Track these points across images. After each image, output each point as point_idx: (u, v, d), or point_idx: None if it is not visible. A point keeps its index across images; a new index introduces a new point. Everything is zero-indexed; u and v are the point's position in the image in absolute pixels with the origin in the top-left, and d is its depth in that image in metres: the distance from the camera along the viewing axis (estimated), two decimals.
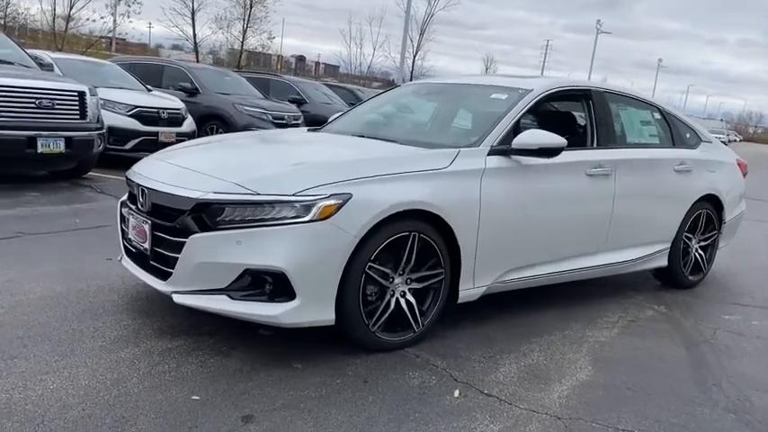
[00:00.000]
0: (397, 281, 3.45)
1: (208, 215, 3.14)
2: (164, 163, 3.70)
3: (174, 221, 3.25)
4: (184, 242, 3.16)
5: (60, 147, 7.27)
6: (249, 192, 3.11)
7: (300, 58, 79.67)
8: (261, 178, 3.21)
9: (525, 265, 4.03)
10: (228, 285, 3.14)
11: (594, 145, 4.45)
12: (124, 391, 2.80)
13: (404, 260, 3.42)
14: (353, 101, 15.09)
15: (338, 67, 63.31)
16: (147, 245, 3.45)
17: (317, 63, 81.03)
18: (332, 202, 3.12)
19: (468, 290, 3.75)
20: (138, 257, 3.60)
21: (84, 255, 4.73)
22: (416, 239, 3.42)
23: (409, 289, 3.50)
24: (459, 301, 3.72)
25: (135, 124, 9.21)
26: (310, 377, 3.08)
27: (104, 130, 8.13)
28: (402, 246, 3.40)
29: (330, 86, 17.13)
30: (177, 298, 3.21)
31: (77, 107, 7.55)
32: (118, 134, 9.00)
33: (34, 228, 5.38)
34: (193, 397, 2.81)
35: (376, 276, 3.32)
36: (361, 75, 50.22)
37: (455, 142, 3.93)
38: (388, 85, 41.28)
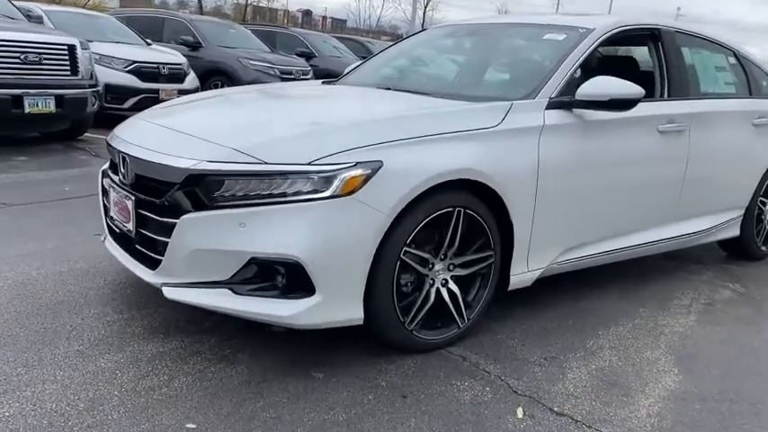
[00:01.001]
0: (437, 267, 2.81)
1: (203, 190, 2.49)
2: (150, 124, 3.04)
3: (162, 198, 2.61)
4: (175, 224, 2.52)
5: (50, 106, 6.62)
6: (254, 160, 2.45)
7: (307, 13, 77.79)
8: (269, 143, 2.54)
9: (587, 242, 3.37)
10: (231, 277, 2.51)
11: (665, 96, 3.72)
12: (100, 418, 2.20)
13: (446, 242, 2.77)
14: (364, 54, 14.22)
15: (345, 21, 61.78)
16: (130, 225, 2.82)
17: (324, 18, 79.25)
18: (358, 172, 2.46)
19: (521, 274, 3.10)
20: (123, 239, 2.97)
21: (69, 230, 4.11)
22: (461, 216, 2.76)
23: (452, 277, 2.86)
24: (511, 288, 3.08)
25: (133, 81, 8.52)
26: (335, 391, 2.47)
27: (99, 88, 7.45)
28: (444, 225, 2.75)
29: (339, 38, 16.23)
30: (168, 292, 2.59)
31: (67, 62, 6.85)
32: (115, 92, 8.33)
33: (17, 197, 4.77)
34: (188, 425, 2.20)
35: (413, 263, 2.68)
36: (370, 29, 48.86)
37: (503, 94, 3.22)
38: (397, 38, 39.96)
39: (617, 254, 3.55)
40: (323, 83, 4.31)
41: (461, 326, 2.88)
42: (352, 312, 2.55)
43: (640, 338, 3.14)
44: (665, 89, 3.73)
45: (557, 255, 3.23)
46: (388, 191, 2.50)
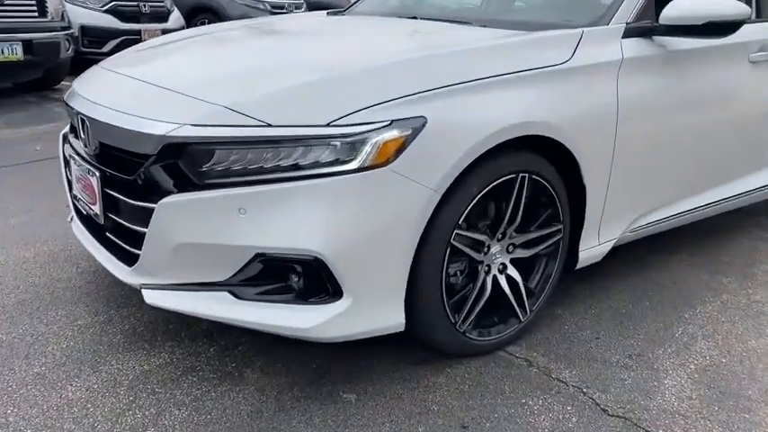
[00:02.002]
0: (494, 250, 2.19)
1: (187, 164, 1.85)
2: (117, 75, 2.36)
3: (134, 174, 1.97)
4: (152, 210, 1.90)
5: (17, 53, 5.89)
6: (254, 122, 1.81)
7: None
8: (272, 98, 1.89)
9: (667, 202, 2.74)
10: (230, 278, 1.90)
11: (753, 16, 3.02)
12: None
13: (506, 218, 2.15)
14: None
15: None
16: (97, 209, 2.19)
17: None
18: (394, 134, 1.81)
19: (592, 248, 2.49)
20: (92, 224, 2.35)
21: (38, 200, 3.49)
22: (525, 183, 2.13)
23: (511, 260, 2.25)
24: (579, 266, 2.48)
25: (112, 21, 7.72)
26: (373, 422, 1.90)
27: (73, 30, 6.70)
28: (503, 196, 2.12)
29: None
30: (149, 296, 1.98)
31: (33, 3, 6.07)
32: (93, 34, 7.56)
33: None
34: None
35: (465, 248, 2.07)
36: None
37: (566, 20, 2.53)
38: None
39: (697, 212, 2.93)
40: (328, 14, 3.59)
41: (523, 319, 2.29)
42: (391, 317, 1.95)
43: (737, 321, 2.56)
44: (754, 6, 3.02)
45: (632, 220, 2.62)
46: (435, 157, 1.87)
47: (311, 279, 1.85)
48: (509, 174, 2.07)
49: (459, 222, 1.99)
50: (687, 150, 2.67)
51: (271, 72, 2.08)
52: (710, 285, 2.85)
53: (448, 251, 1.99)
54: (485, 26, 2.56)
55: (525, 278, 2.30)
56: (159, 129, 1.86)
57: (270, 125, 1.80)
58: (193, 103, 1.93)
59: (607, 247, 2.56)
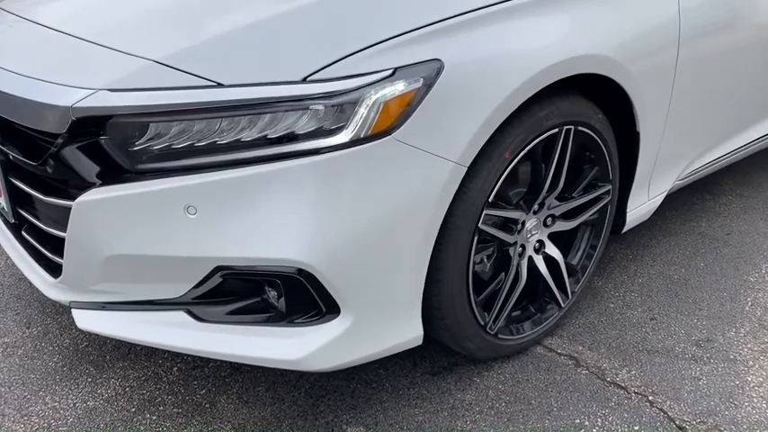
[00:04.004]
0: (529, 225, 1.70)
1: (111, 145, 1.32)
2: (17, 20, 1.77)
3: (43, 159, 1.43)
4: (69, 208, 1.37)
5: None
6: (198, 81, 1.27)
7: None
8: (220, 45, 1.33)
9: (725, 138, 2.25)
10: (185, 294, 1.40)
11: None
12: None
13: (546, 184, 1.64)
14: None
15: None
16: (3, 202, 1.66)
17: None
18: (399, 88, 1.28)
19: (641, 206, 2.01)
20: (7, 221, 1.81)
21: None
22: (571, 138, 1.62)
23: (550, 235, 1.76)
24: (627, 228, 2.00)
25: None
26: None
27: None
28: (542, 157, 1.61)
29: None
30: (81, 318, 1.49)
31: None
32: None
33: None
34: None
35: (494, 231, 1.57)
36: None
37: None
38: None
39: (754, 145, 2.44)
40: None
41: (564, 305, 1.83)
42: (405, 331, 1.47)
43: None
44: None
45: (686, 165, 2.13)
46: (457, 117, 1.34)
47: (297, 295, 1.35)
48: (551, 129, 1.55)
49: (489, 200, 1.48)
50: (752, 72, 2.15)
51: (220, 6, 1.50)
52: None
53: (475, 239, 1.49)
54: None
55: (565, 254, 1.82)
56: (64, 97, 1.31)
57: (221, 84, 1.26)
58: (112, 58, 1.37)
59: (658, 201, 2.08)
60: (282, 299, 1.36)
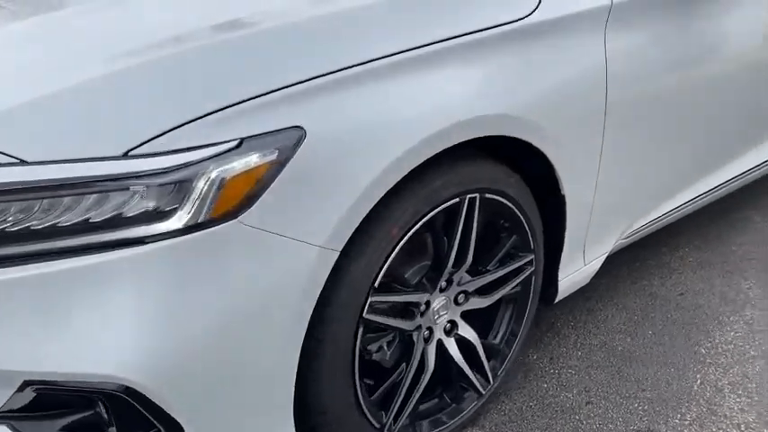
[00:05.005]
0: (436, 305, 1.46)
1: None
2: None
3: None
4: None
5: None
6: None
7: None
8: (25, 113, 1.09)
9: (672, 192, 2.05)
10: (1, 408, 1.16)
11: None
12: None
13: (451, 258, 1.42)
14: None
15: None
16: None
17: None
18: (249, 161, 1.06)
19: (576, 273, 1.79)
20: None
21: None
22: (476, 206, 1.40)
23: (464, 314, 1.54)
24: (560, 297, 1.78)
25: None
26: None
27: None
28: (444, 228, 1.39)
29: None
30: None
31: None
32: None
33: None
34: None
35: (386, 320, 1.35)
36: None
37: None
38: None
39: (709, 196, 2.23)
40: None
41: (484, 391, 1.59)
42: None
43: None
44: None
45: (628, 225, 1.92)
46: (322, 194, 1.12)
47: (128, 413, 1.11)
48: (451, 199, 1.33)
49: (376, 285, 1.26)
50: (698, 122, 1.96)
51: (24, 69, 1.24)
52: (727, 295, 2.19)
53: (360, 330, 1.26)
54: None
55: (484, 334, 1.59)
56: None
57: (24, 162, 1.03)
58: None
59: (596, 265, 1.87)
60: (111, 414, 1.12)
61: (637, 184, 1.84)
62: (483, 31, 1.37)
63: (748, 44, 2.01)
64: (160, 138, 1.04)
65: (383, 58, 1.20)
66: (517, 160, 1.48)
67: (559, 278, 1.74)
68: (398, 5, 1.32)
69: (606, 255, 1.89)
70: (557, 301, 1.77)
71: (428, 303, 1.44)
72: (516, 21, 1.42)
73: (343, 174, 1.13)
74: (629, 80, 1.62)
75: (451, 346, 1.51)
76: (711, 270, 2.33)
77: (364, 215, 1.17)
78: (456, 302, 1.51)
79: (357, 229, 1.17)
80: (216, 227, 1.05)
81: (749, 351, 1.91)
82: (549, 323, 2.02)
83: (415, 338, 1.44)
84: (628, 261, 2.35)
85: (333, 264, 1.15)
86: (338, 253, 1.15)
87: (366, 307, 1.25)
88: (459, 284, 1.49)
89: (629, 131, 1.68)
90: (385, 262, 1.25)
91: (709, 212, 2.64)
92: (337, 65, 1.16)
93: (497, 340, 1.62)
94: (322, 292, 1.16)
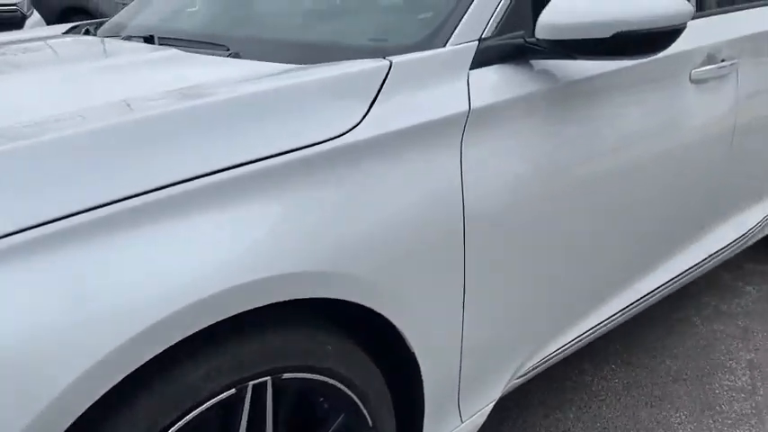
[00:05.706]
0: None
1: None
2: None
3: None
4: None
5: None
6: None
7: None
8: None
9: (575, 319, 1.70)
10: None
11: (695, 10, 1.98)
12: None
13: None
14: None
15: None
16: None
17: None
18: None
19: None
20: None
21: None
22: (269, 393, 1.04)
23: None
24: None
25: None
26: None
27: None
28: (224, 417, 1.03)
29: None
30: None
31: None
32: None
33: None
34: None
35: None
36: None
37: (375, 35, 1.45)
38: None
39: (618, 319, 1.89)
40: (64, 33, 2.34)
41: None
42: None
43: None
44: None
45: (518, 365, 1.57)
46: None
47: None
48: (219, 393, 0.97)
49: None
50: (595, 233, 1.63)
51: None
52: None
53: None
54: (238, 55, 1.45)
55: None
56: None
57: None
58: None
59: (479, 420, 1.50)
60: None
61: (523, 314, 1.50)
62: (292, 152, 1.04)
63: (657, 145, 1.70)
64: None
65: (125, 198, 0.86)
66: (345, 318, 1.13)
67: None
68: (190, 118, 0.99)
69: (493, 403, 1.53)
70: None
71: None
72: (336, 136, 1.09)
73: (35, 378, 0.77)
74: (493, 196, 1.29)
75: None
76: (638, 394, 1.98)
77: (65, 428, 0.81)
78: None
79: None
80: None
81: None
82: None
83: None
84: (546, 382, 2.00)
85: None
86: None
87: None
88: None
89: (501, 255, 1.35)
90: None
91: (648, 311, 2.30)
92: (53, 213, 0.81)
93: None
94: None
